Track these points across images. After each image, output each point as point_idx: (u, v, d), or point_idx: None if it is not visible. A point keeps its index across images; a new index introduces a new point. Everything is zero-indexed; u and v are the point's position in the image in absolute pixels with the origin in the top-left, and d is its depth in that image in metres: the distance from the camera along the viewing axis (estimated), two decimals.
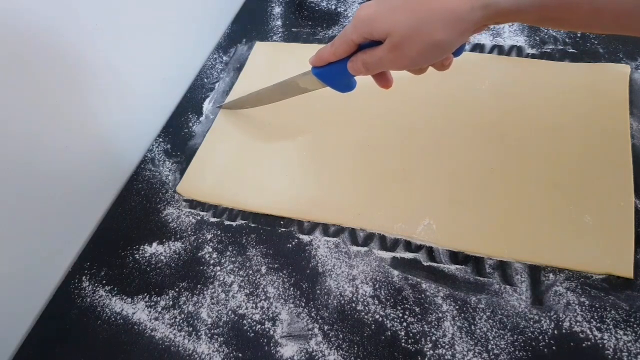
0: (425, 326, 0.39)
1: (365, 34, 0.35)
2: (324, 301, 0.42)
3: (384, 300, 0.41)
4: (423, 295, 0.40)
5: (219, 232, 0.49)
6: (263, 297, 0.43)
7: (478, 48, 0.56)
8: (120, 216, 0.53)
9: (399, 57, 0.34)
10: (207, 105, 0.62)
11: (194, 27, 0.65)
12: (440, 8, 0.31)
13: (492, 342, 0.37)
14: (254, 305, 0.43)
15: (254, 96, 0.54)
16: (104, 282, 0.48)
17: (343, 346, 0.39)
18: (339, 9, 0.67)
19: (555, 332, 0.36)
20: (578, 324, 0.36)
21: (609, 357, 0.34)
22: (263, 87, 0.51)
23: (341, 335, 0.40)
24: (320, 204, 0.47)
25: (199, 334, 0.42)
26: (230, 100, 0.58)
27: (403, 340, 0.38)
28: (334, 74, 0.41)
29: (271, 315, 0.42)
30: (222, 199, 0.51)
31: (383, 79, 0.40)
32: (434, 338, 0.38)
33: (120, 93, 0.54)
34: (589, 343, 0.35)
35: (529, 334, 0.36)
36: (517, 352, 0.36)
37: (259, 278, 0.45)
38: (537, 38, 0.55)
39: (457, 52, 0.35)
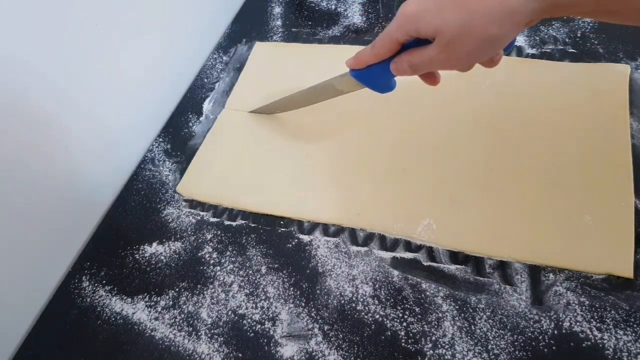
0: (425, 326, 0.39)
1: (411, 32, 0.33)
2: (324, 301, 0.42)
3: (384, 300, 0.41)
4: (423, 295, 0.40)
5: (219, 232, 0.49)
6: (263, 297, 0.43)
7: None
8: (120, 216, 0.53)
9: (451, 57, 0.32)
10: (207, 105, 0.62)
11: (194, 27, 0.65)
12: (492, 2, 0.29)
13: (492, 342, 0.37)
14: (254, 305, 0.43)
15: (287, 100, 0.53)
16: (104, 282, 0.48)
17: (343, 346, 0.39)
18: (339, 9, 0.67)
19: (555, 332, 0.36)
20: (578, 324, 0.36)
21: (609, 357, 0.34)
22: (296, 91, 0.50)
23: (341, 335, 0.40)
24: (320, 204, 0.47)
25: (199, 334, 0.42)
26: (262, 105, 0.56)
27: (403, 340, 0.38)
28: (374, 76, 0.39)
29: (271, 315, 0.42)
30: (222, 199, 0.51)
31: (430, 77, 0.39)
32: (434, 338, 0.38)
33: (120, 93, 0.54)
34: (589, 343, 0.35)
35: (529, 334, 0.36)
36: (517, 352, 0.36)
37: (259, 278, 0.45)
38: (537, 38, 0.55)
39: (507, 47, 0.34)
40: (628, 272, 0.37)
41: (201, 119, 0.60)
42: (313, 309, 0.42)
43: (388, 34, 0.35)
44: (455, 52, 0.32)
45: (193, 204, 0.52)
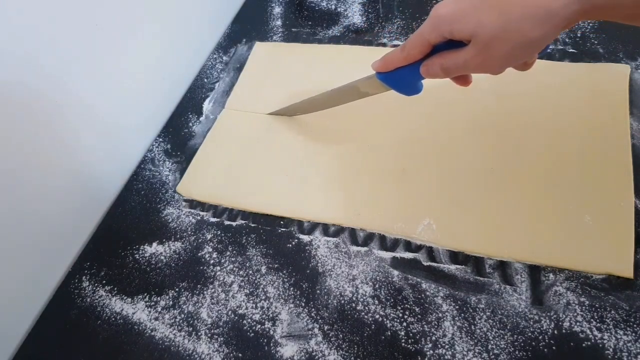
0: (425, 326, 0.39)
1: (445, 34, 0.32)
2: (324, 301, 0.42)
3: (384, 300, 0.41)
4: (423, 295, 0.40)
5: (219, 232, 0.49)
6: (263, 297, 0.43)
7: None
8: (120, 216, 0.53)
9: (487, 60, 0.32)
10: (207, 105, 0.62)
11: (194, 27, 0.65)
12: (532, 4, 0.28)
13: (492, 342, 0.37)
14: (254, 305, 0.43)
15: (308, 102, 0.52)
16: (104, 282, 0.48)
17: (343, 346, 0.39)
18: (339, 9, 0.67)
19: (555, 332, 0.36)
20: (578, 324, 0.36)
21: (609, 357, 0.34)
22: (319, 93, 0.50)
23: (341, 335, 0.40)
24: (320, 204, 0.47)
25: (199, 334, 0.42)
26: (282, 107, 0.55)
27: (403, 340, 0.38)
28: (402, 78, 0.38)
29: (271, 315, 0.42)
30: (222, 199, 0.51)
31: (462, 79, 0.38)
32: (434, 338, 0.38)
33: (120, 93, 0.54)
34: (589, 343, 0.35)
35: (529, 334, 0.36)
36: (517, 352, 0.36)
37: (259, 278, 0.45)
38: None
39: (542, 51, 0.33)
40: (628, 272, 0.37)
41: (201, 119, 0.60)
42: (313, 309, 0.42)
43: (420, 36, 0.34)
44: (491, 55, 0.31)
45: (193, 204, 0.52)
